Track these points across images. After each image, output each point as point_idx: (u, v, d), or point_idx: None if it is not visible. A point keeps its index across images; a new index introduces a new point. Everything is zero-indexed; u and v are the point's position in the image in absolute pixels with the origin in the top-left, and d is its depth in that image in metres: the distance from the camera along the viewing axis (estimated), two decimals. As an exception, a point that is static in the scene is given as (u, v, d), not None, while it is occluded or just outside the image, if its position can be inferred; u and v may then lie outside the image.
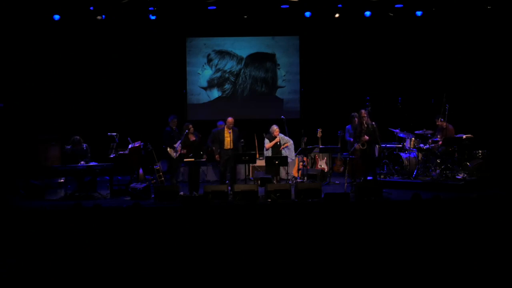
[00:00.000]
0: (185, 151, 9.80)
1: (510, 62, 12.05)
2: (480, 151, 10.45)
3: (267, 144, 10.41)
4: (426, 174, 10.09)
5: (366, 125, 9.34)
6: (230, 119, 10.00)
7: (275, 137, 10.35)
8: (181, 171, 11.11)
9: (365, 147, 9.35)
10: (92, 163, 9.65)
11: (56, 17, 11.79)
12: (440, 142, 10.05)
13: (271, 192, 8.67)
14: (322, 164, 11.34)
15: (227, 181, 10.06)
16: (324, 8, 12.29)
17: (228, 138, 9.90)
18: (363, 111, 9.45)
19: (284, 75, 13.59)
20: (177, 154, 10.10)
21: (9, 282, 5.13)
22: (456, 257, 5.19)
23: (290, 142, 10.58)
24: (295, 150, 10.76)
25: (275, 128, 10.38)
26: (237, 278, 4.98)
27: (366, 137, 9.31)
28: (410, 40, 12.90)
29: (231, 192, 9.06)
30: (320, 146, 11.15)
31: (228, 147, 9.89)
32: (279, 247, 5.58)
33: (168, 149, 10.24)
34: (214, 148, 10.05)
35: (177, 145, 10.09)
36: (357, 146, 9.37)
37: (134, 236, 5.92)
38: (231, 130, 9.95)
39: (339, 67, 13.27)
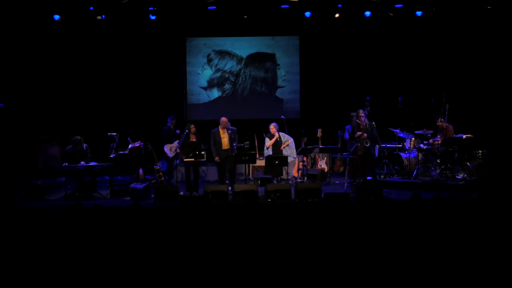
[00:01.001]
0: (184, 156, 9.73)
1: (510, 62, 12.05)
2: (480, 151, 10.45)
3: (268, 142, 10.42)
4: (426, 174, 10.09)
5: (364, 125, 9.37)
6: (223, 119, 9.94)
7: (273, 134, 10.36)
8: (181, 172, 11.12)
9: (368, 145, 9.36)
10: (92, 163, 9.65)
11: (56, 17, 11.79)
12: (440, 142, 10.05)
13: (271, 192, 8.66)
14: (322, 164, 11.34)
15: (226, 181, 10.04)
16: (324, 8, 12.29)
17: (224, 139, 9.82)
18: (360, 110, 9.49)
19: (284, 75, 13.59)
20: (173, 154, 10.10)
21: (9, 282, 5.12)
22: (456, 257, 5.19)
23: (290, 140, 10.61)
24: (296, 149, 10.76)
25: (271, 126, 10.40)
26: (237, 278, 4.98)
27: (365, 135, 9.33)
28: (410, 40, 12.90)
29: (231, 192, 9.06)
30: (320, 146, 11.16)
31: (226, 147, 9.84)
32: (279, 247, 5.58)
33: (167, 146, 10.24)
34: (212, 149, 9.99)
35: (176, 144, 10.10)
36: (359, 145, 9.38)
37: (134, 236, 5.92)
38: (226, 131, 9.88)
39: (339, 67, 13.27)
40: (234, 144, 9.95)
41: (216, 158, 9.81)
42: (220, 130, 9.88)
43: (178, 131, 10.58)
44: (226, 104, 13.37)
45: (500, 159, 10.77)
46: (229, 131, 9.89)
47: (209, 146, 9.95)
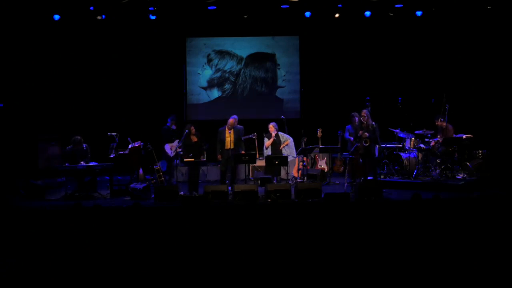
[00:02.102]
0: (185, 156, 9.75)
1: (510, 62, 12.05)
2: (480, 151, 10.46)
3: (266, 142, 10.44)
4: (426, 174, 10.09)
5: (366, 125, 9.38)
6: (230, 120, 10.01)
7: (271, 134, 10.37)
8: (181, 172, 11.11)
9: (368, 144, 9.36)
10: (92, 163, 9.65)
11: (56, 17, 11.79)
12: (440, 142, 10.06)
13: (271, 192, 8.67)
14: (322, 164, 11.34)
15: (227, 181, 10.06)
16: (324, 8, 12.29)
17: (228, 138, 9.91)
18: (364, 111, 9.50)
19: (284, 75, 13.59)
20: (174, 153, 10.12)
21: (9, 282, 5.12)
22: (456, 257, 5.19)
23: (290, 140, 10.62)
24: (296, 149, 10.77)
25: (270, 126, 10.43)
26: (237, 278, 4.98)
27: (366, 134, 9.33)
28: (410, 40, 12.89)
29: (231, 192, 9.06)
30: (320, 146, 11.15)
31: (228, 147, 9.90)
32: (279, 247, 5.58)
33: (168, 145, 10.25)
34: (217, 146, 10.05)
35: (176, 144, 10.10)
36: (359, 145, 9.38)
37: (134, 236, 5.92)
38: (231, 131, 9.95)
39: (339, 67, 13.27)
40: (242, 138, 10.00)
41: (219, 157, 9.91)
42: (226, 129, 9.97)
43: (174, 127, 10.57)
44: (226, 104, 13.37)
45: (500, 159, 10.77)
46: (230, 131, 9.92)
47: (210, 146, 10.00)
